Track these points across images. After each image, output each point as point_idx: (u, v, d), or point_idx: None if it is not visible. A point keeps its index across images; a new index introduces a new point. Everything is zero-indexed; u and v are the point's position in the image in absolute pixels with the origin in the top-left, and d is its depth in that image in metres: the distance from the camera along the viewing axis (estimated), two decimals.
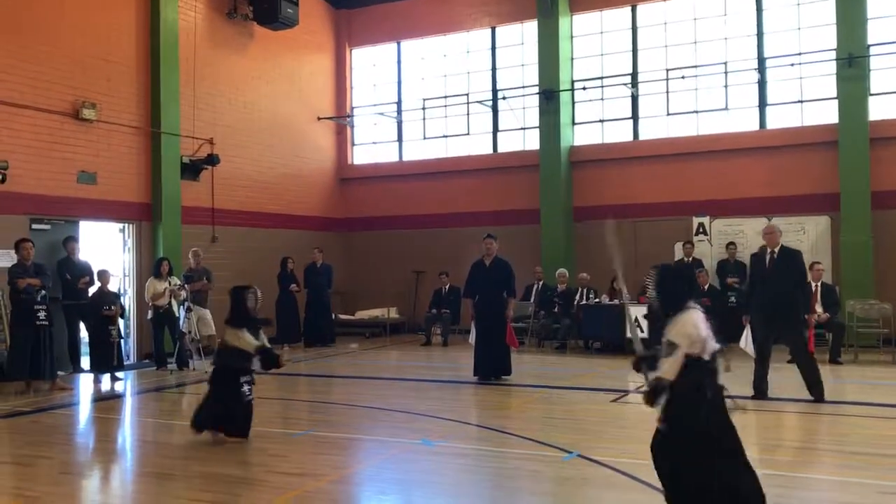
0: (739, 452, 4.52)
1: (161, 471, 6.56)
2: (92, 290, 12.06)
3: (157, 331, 12.89)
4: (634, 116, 17.02)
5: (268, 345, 7.67)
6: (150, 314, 12.90)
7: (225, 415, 7.36)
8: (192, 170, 15.07)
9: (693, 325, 4.46)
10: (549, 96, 16.77)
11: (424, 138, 19.11)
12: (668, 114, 16.68)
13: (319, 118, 18.89)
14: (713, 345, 4.51)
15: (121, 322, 12.08)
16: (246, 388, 7.41)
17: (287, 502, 5.52)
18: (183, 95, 14.97)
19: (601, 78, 17.18)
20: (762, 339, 9.17)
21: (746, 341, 9.43)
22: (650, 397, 4.47)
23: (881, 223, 14.43)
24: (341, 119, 19.50)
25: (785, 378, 9.81)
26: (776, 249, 9.26)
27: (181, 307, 12.84)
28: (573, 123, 17.38)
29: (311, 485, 5.98)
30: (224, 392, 7.39)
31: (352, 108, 19.77)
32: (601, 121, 17.30)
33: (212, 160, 15.16)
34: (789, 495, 5.51)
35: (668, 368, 4.45)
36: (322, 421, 8.75)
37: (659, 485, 5.52)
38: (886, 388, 10.24)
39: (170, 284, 12.79)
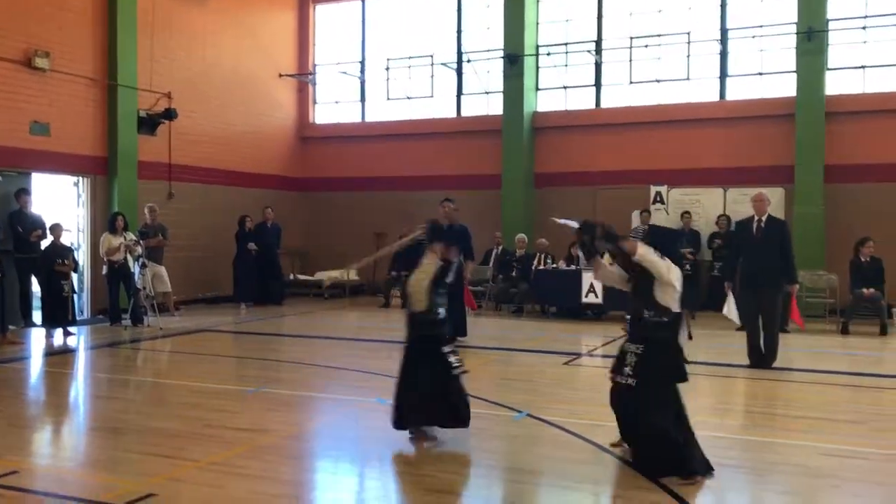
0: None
1: (112, 425, 6.53)
2: (44, 244, 11.87)
3: (111, 286, 12.73)
4: (597, 84, 17.06)
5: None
6: (104, 269, 12.74)
7: (435, 405, 5.92)
8: (148, 124, 14.77)
9: (676, 275, 4.96)
10: (514, 60, 16.72)
11: (388, 99, 18.95)
12: (631, 82, 16.74)
13: (281, 75, 18.62)
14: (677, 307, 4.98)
15: (74, 277, 11.92)
16: (453, 359, 6.00)
17: (238, 456, 5.54)
18: (141, 47, 14.63)
19: (566, 44, 17.15)
20: (749, 308, 9.19)
21: (729, 308, 9.54)
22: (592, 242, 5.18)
23: (833, 196, 14.73)
24: (303, 77, 19.24)
25: (731, 344, 10.07)
26: (763, 218, 9.24)
27: (136, 263, 12.69)
28: (537, 89, 17.37)
29: (263, 440, 6.01)
30: (424, 372, 5.92)
31: (314, 66, 19.51)
32: (564, 87, 17.31)
33: (169, 114, 14.88)
34: (737, 457, 5.68)
35: (643, 253, 4.92)
36: (276, 379, 8.77)
37: (603, 444, 5.70)
38: (831, 356, 10.55)
39: (125, 239, 12.62)
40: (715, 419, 7.03)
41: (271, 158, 18.36)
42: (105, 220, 13.42)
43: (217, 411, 6.93)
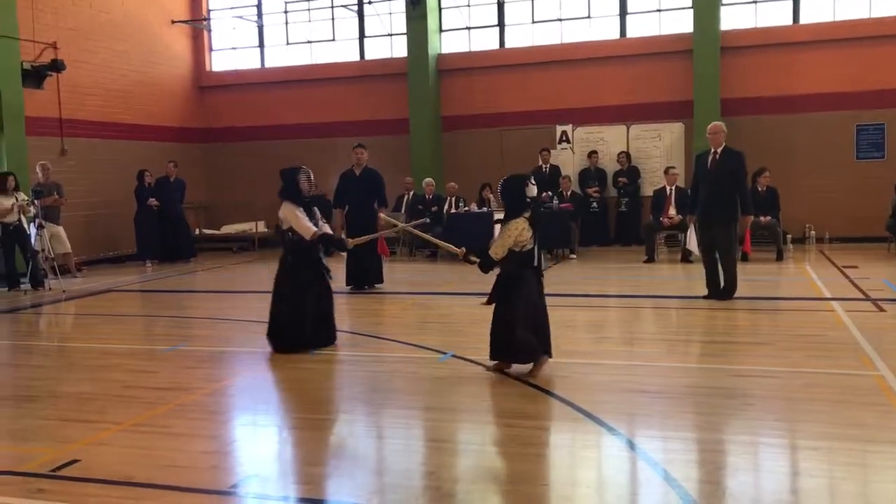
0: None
1: (22, 393, 6.28)
2: None
3: (6, 250, 12.09)
4: (500, 24, 17.01)
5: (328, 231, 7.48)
6: None
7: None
8: (34, 77, 13.89)
9: (516, 230, 5.92)
10: (416, 2, 16.45)
11: (288, 44, 18.43)
12: (533, 21, 16.76)
13: (173, 21, 17.81)
14: (530, 245, 5.99)
15: None
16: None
17: (161, 416, 5.42)
18: None
19: None
20: (706, 238, 9.21)
21: (690, 240, 9.63)
22: (484, 268, 6.11)
23: (729, 129, 15.07)
24: (197, 23, 18.46)
25: (639, 277, 10.38)
26: (719, 150, 9.16)
27: (31, 224, 12.08)
28: (440, 30, 17.20)
29: (184, 398, 5.88)
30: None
31: (209, 11, 18.74)
32: (468, 28, 17.19)
33: (56, 66, 14.04)
34: (653, 383, 5.91)
35: (497, 250, 6.00)
36: (192, 335, 8.58)
37: (524, 378, 5.85)
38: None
39: (17, 200, 11.97)
40: (628, 348, 7.29)
41: (168, 109, 17.65)
42: None
43: (134, 371, 6.74)
